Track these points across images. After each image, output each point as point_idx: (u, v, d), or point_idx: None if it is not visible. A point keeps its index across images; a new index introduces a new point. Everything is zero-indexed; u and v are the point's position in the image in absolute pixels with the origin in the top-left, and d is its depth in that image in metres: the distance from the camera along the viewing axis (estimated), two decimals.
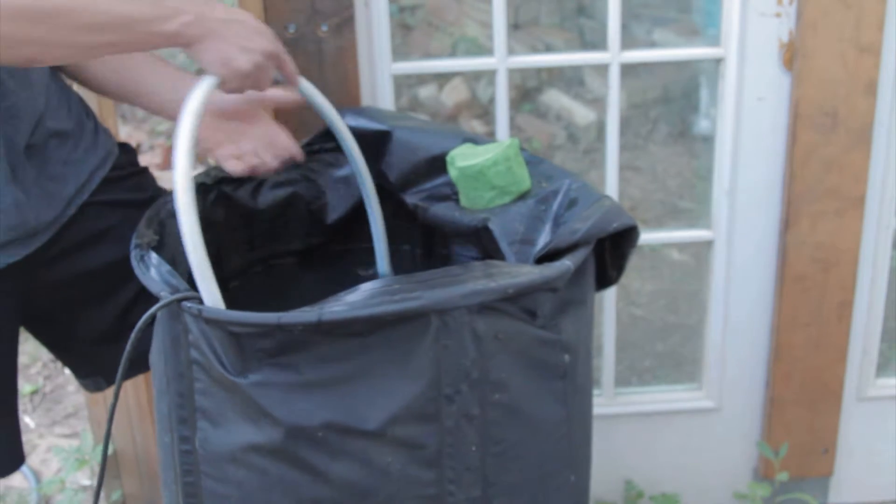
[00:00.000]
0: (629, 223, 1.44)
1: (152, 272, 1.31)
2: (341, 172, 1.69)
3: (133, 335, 1.26)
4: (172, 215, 1.31)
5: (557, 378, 1.35)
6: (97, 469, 2.21)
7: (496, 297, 1.24)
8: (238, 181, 1.62)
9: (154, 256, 1.34)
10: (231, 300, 1.27)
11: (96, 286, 1.55)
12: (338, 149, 1.68)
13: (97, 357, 1.63)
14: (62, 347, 1.65)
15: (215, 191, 1.59)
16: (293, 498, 1.28)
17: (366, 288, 1.22)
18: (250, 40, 1.32)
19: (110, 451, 2.14)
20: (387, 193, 1.67)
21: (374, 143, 1.64)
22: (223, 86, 1.33)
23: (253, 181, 1.64)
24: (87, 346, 1.62)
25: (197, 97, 1.28)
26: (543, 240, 1.44)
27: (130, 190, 1.58)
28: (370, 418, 1.24)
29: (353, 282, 1.27)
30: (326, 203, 1.70)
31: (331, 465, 1.26)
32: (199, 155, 1.37)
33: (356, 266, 1.74)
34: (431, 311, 1.21)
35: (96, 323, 1.58)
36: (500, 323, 1.26)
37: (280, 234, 1.70)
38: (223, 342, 1.24)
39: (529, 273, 1.28)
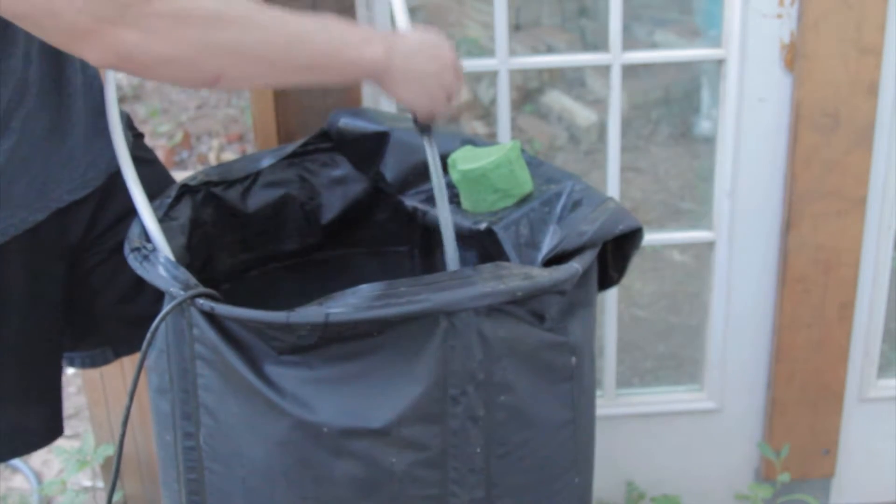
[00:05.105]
0: (635, 225, 1.44)
1: (160, 269, 1.31)
2: (336, 173, 1.69)
3: (148, 335, 1.26)
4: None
5: (564, 380, 1.35)
6: (99, 470, 2.22)
7: (505, 299, 1.24)
8: (226, 182, 1.61)
9: (161, 255, 1.34)
10: (226, 299, 1.27)
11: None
12: (333, 149, 1.68)
13: (109, 323, 1.61)
14: (81, 317, 1.61)
15: (202, 192, 1.57)
16: (297, 494, 1.29)
17: (372, 288, 1.22)
18: (437, 72, 1.34)
19: (111, 451, 2.14)
20: (384, 195, 1.67)
21: (373, 145, 1.64)
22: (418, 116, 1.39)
23: (243, 182, 1.63)
24: (106, 312, 1.59)
25: None
26: (549, 242, 1.43)
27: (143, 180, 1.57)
28: (376, 417, 1.24)
29: (352, 283, 1.27)
30: (321, 204, 1.69)
31: (335, 463, 1.26)
32: None
33: (355, 268, 1.74)
34: (440, 312, 1.21)
35: (119, 285, 1.57)
36: (508, 325, 1.26)
37: (275, 235, 1.69)
38: (232, 338, 1.24)
39: (539, 276, 1.27)
